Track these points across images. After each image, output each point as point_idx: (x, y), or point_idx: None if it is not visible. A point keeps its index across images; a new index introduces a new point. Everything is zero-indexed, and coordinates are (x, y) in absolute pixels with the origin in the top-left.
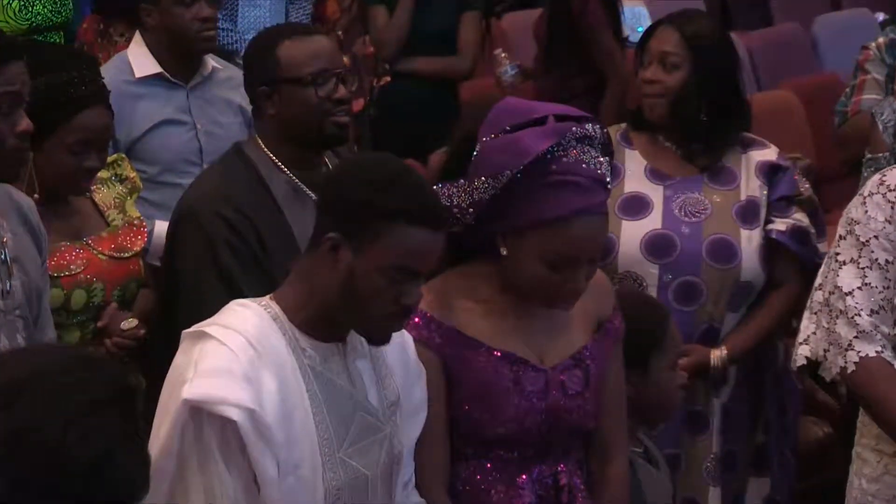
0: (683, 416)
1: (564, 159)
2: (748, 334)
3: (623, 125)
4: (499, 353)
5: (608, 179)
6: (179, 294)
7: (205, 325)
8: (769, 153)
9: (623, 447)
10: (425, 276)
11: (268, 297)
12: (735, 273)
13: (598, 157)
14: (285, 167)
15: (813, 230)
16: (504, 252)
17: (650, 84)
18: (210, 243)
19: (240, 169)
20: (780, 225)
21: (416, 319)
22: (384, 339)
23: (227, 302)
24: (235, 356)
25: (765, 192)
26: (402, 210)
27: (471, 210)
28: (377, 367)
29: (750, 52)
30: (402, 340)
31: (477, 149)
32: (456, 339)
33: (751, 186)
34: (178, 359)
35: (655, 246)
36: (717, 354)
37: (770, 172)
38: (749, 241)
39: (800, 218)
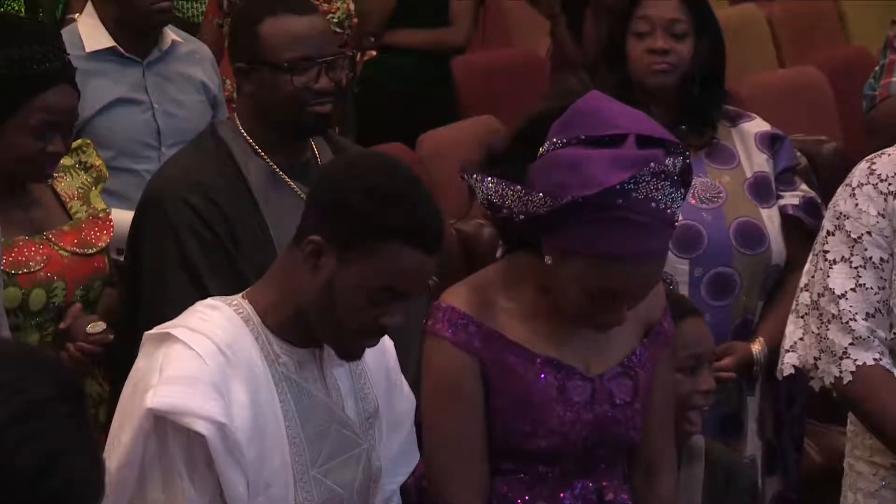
0: (715, 420)
1: (634, 194)
2: (781, 322)
3: None
4: (543, 360)
5: (677, 217)
6: (141, 287)
7: (169, 327)
8: (760, 123)
9: (672, 460)
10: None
11: (240, 295)
12: (766, 258)
13: (672, 192)
14: (263, 152)
15: (820, 200)
16: (548, 261)
17: (662, 54)
18: (174, 232)
19: (212, 152)
20: (791, 199)
21: (455, 320)
22: (355, 355)
23: (191, 296)
24: (204, 363)
25: (772, 165)
26: (402, 229)
27: (522, 217)
28: (355, 375)
29: (771, 24)
30: (382, 345)
31: (544, 148)
32: (497, 343)
33: (755, 161)
34: (141, 362)
35: (681, 238)
36: (759, 348)
37: (771, 143)
38: (771, 220)
39: (806, 189)
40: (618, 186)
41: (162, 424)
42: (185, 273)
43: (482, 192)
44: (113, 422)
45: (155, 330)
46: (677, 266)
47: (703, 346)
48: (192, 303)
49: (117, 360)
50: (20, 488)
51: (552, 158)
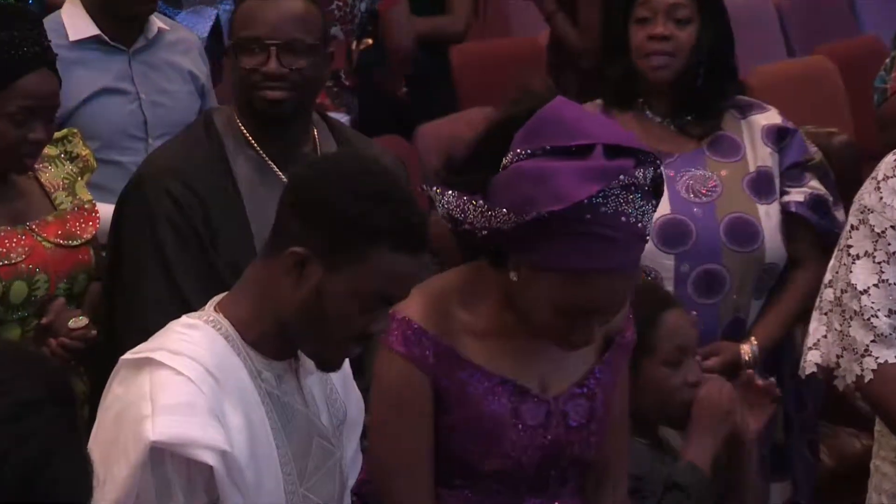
0: None
1: (603, 209)
2: (777, 322)
3: (598, 101)
4: (498, 381)
5: (649, 230)
6: (119, 277)
7: (148, 350)
8: (772, 115)
9: (623, 470)
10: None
11: (212, 307)
12: (759, 255)
13: (643, 205)
14: (256, 142)
15: (830, 197)
16: (514, 277)
17: (663, 41)
18: (152, 221)
19: (202, 140)
20: (797, 195)
21: (409, 334)
22: (337, 366)
23: (164, 289)
24: (197, 388)
25: (776, 160)
26: (390, 231)
27: (485, 232)
28: (323, 382)
29: (780, 12)
30: None
31: (507, 159)
32: (452, 360)
33: (759, 155)
34: (118, 389)
35: (668, 233)
36: (748, 349)
37: (778, 137)
38: (768, 216)
39: (815, 185)
40: (586, 201)
41: (160, 456)
42: (158, 261)
43: (443, 205)
44: (96, 448)
45: (130, 354)
46: (662, 261)
47: (687, 337)
48: (165, 296)
49: (96, 355)
50: (9, 489)
51: (516, 171)
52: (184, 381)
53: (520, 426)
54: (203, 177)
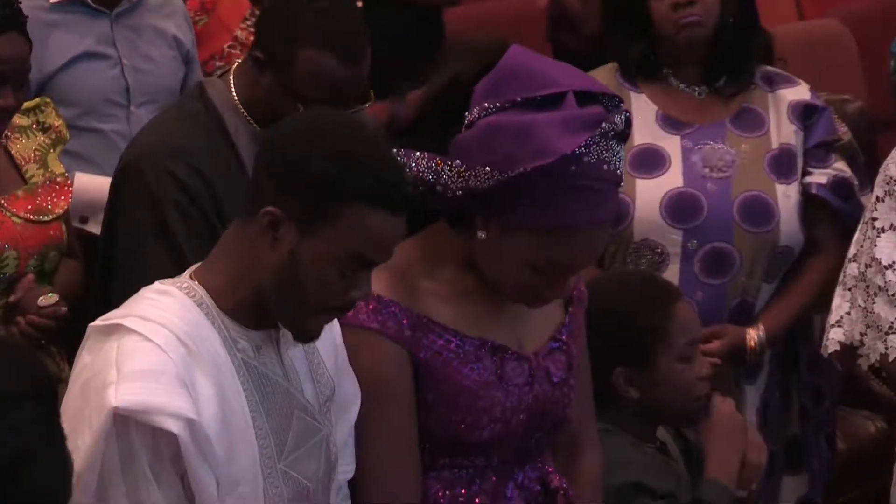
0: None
1: (586, 159)
2: (787, 309)
3: (613, 65)
4: (478, 343)
5: (623, 176)
6: (116, 261)
7: (118, 317)
8: (801, 91)
9: (595, 435)
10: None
11: (187, 275)
12: (772, 237)
13: (618, 151)
14: (254, 120)
15: (856, 181)
16: (482, 236)
17: (689, 6)
18: (156, 204)
19: (200, 115)
20: (819, 177)
21: (381, 308)
22: (314, 336)
23: (172, 276)
24: (166, 355)
25: (801, 138)
26: (365, 190)
27: (459, 193)
28: (309, 355)
29: None
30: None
31: (473, 115)
32: (429, 329)
33: (783, 132)
34: (86, 357)
35: (678, 207)
36: (755, 334)
37: (805, 114)
38: (786, 197)
39: (841, 167)
40: (571, 153)
41: (124, 424)
42: (165, 247)
43: (410, 169)
44: (65, 419)
45: (100, 321)
46: (669, 236)
47: (697, 330)
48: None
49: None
50: None
51: (490, 126)
52: (152, 348)
53: (506, 387)
54: (206, 155)
